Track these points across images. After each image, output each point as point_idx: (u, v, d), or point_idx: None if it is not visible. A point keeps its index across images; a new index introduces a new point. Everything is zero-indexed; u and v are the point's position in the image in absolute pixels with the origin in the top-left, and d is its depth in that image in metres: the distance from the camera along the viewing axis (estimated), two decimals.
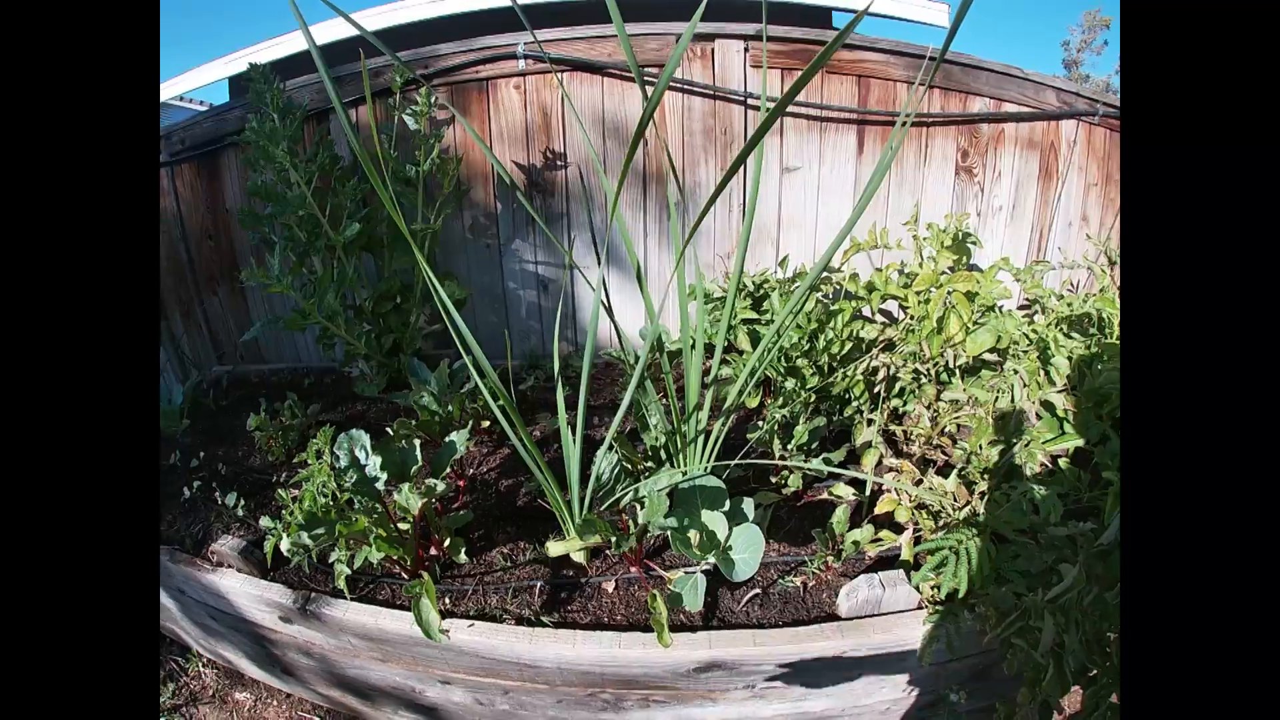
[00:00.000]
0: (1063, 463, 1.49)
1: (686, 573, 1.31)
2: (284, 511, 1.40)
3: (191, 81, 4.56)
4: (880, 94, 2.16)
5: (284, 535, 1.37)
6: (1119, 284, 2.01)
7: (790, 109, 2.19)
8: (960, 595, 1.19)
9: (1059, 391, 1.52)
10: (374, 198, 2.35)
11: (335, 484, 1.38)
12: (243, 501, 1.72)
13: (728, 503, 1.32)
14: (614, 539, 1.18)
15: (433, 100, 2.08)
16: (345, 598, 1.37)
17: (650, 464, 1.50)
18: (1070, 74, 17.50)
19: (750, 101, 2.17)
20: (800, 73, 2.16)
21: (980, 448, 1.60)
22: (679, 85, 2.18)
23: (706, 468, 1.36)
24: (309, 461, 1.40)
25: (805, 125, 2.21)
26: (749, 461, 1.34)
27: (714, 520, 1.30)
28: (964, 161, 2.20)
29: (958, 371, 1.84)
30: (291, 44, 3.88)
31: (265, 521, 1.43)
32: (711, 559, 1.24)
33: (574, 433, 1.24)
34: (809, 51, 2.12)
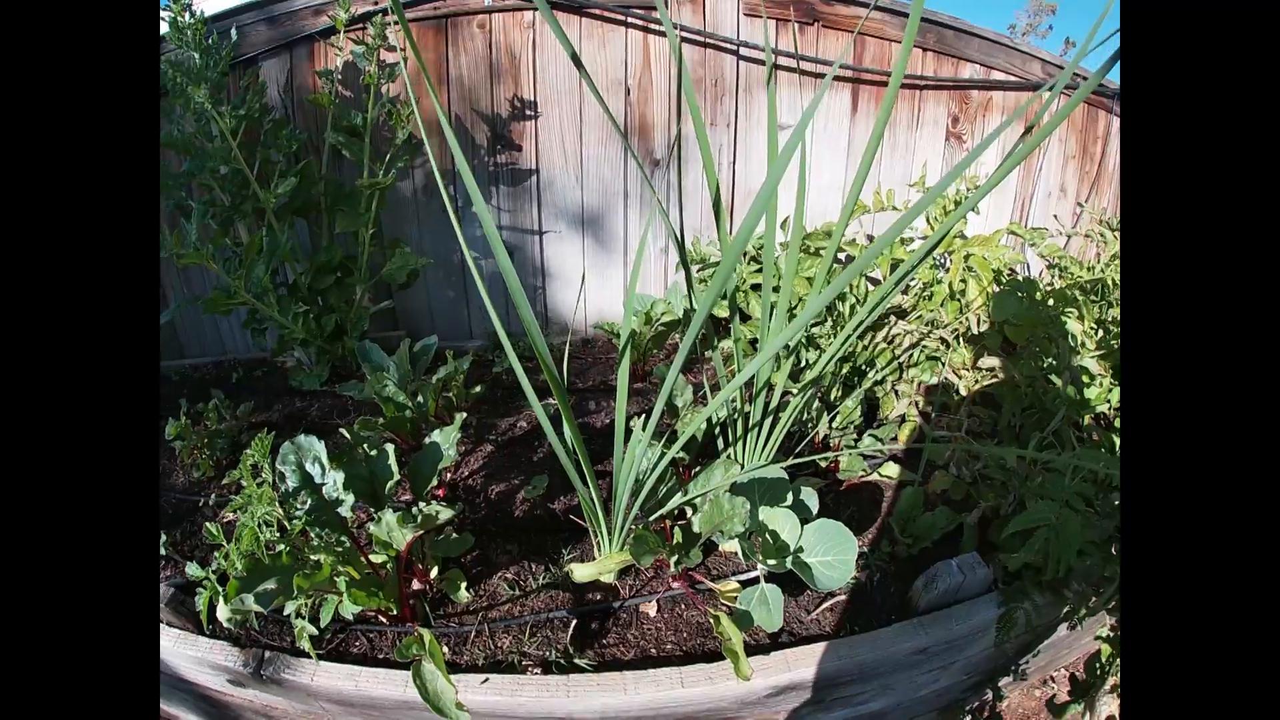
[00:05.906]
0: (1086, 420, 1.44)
1: (743, 582, 1.09)
2: (216, 555, 1.02)
3: None
4: (875, 52, 2.03)
5: (218, 593, 0.99)
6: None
7: (782, 62, 2.01)
8: (1057, 575, 1.08)
9: (1093, 356, 1.47)
10: (309, 153, 1.90)
11: (282, 511, 1.02)
12: (162, 535, 1.28)
13: (789, 496, 1.12)
14: (673, 557, 0.94)
15: (386, 31, 1.68)
16: (311, 657, 1.03)
17: (681, 454, 1.27)
18: None
19: (743, 51, 1.97)
20: (794, 24, 1.98)
21: (1014, 415, 1.52)
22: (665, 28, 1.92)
23: (768, 458, 1.15)
24: (243, 481, 1.03)
25: (799, 81, 2.04)
26: (807, 458, 1.15)
27: (777, 518, 1.09)
28: (954, 127, 2.13)
29: (962, 339, 1.76)
30: None
31: (193, 570, 1.04)
32: (774, 562, 1.04)
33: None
34: (804, 2, 1.95)
